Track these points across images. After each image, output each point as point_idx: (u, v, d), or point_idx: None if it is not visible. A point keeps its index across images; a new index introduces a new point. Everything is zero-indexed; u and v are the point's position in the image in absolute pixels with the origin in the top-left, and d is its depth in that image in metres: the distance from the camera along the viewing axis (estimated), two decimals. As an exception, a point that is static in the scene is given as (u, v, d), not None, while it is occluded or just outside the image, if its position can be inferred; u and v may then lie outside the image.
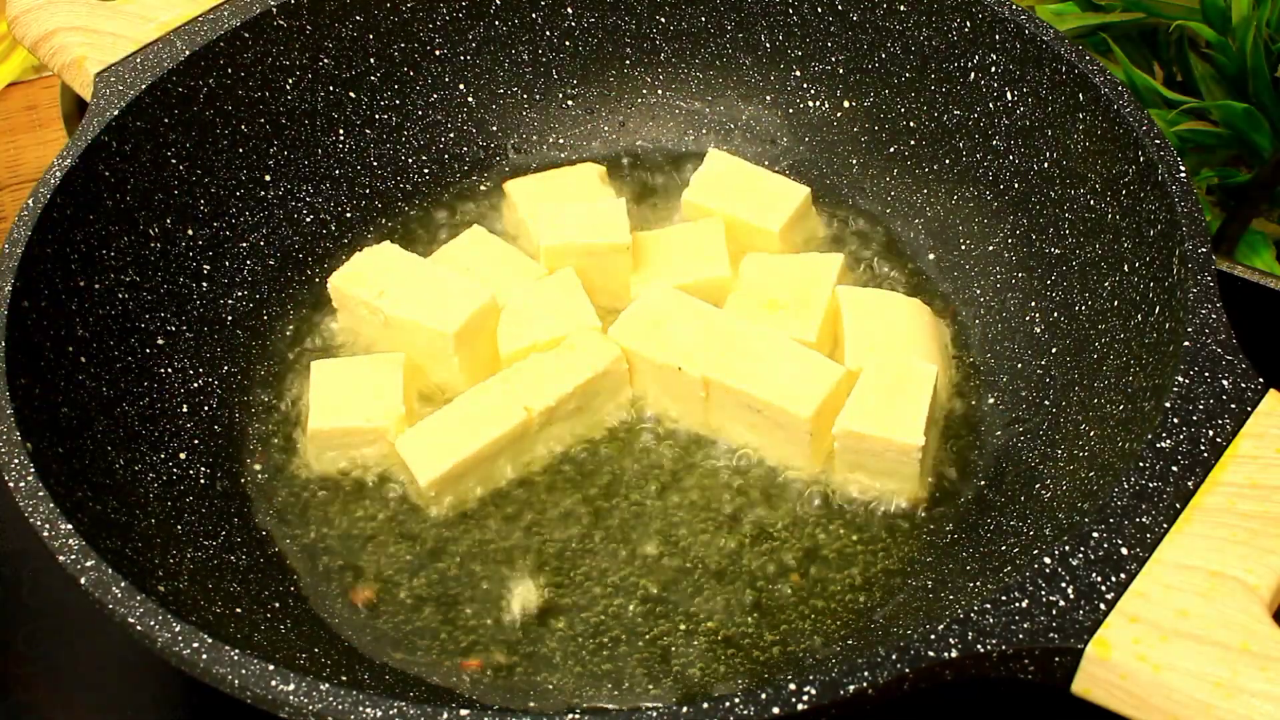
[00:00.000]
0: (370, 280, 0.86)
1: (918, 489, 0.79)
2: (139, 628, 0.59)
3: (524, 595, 0.76)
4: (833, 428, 0.77)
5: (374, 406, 0.81)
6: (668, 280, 0.87)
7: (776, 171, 0.95)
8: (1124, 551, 0.59)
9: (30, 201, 0.77)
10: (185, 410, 0.82)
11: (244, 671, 0.56)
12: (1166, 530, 0.59)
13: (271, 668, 0.56)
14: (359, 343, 0.89)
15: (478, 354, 0.85)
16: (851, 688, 0.54)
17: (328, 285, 0.88)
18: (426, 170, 0.99)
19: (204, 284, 0.87)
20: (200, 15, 0.89)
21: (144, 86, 0.84)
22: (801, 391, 0.78)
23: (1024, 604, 0.57)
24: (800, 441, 0.79)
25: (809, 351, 0.81)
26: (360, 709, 0.55)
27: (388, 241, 0.90)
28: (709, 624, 0.74)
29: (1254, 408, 0.63)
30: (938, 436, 0.82)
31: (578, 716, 0.56)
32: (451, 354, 0.83)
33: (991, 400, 0.83)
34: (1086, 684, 0.57)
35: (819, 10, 0.94)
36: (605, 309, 0.86)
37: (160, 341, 0.83)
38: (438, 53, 0.97)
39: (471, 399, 0.81)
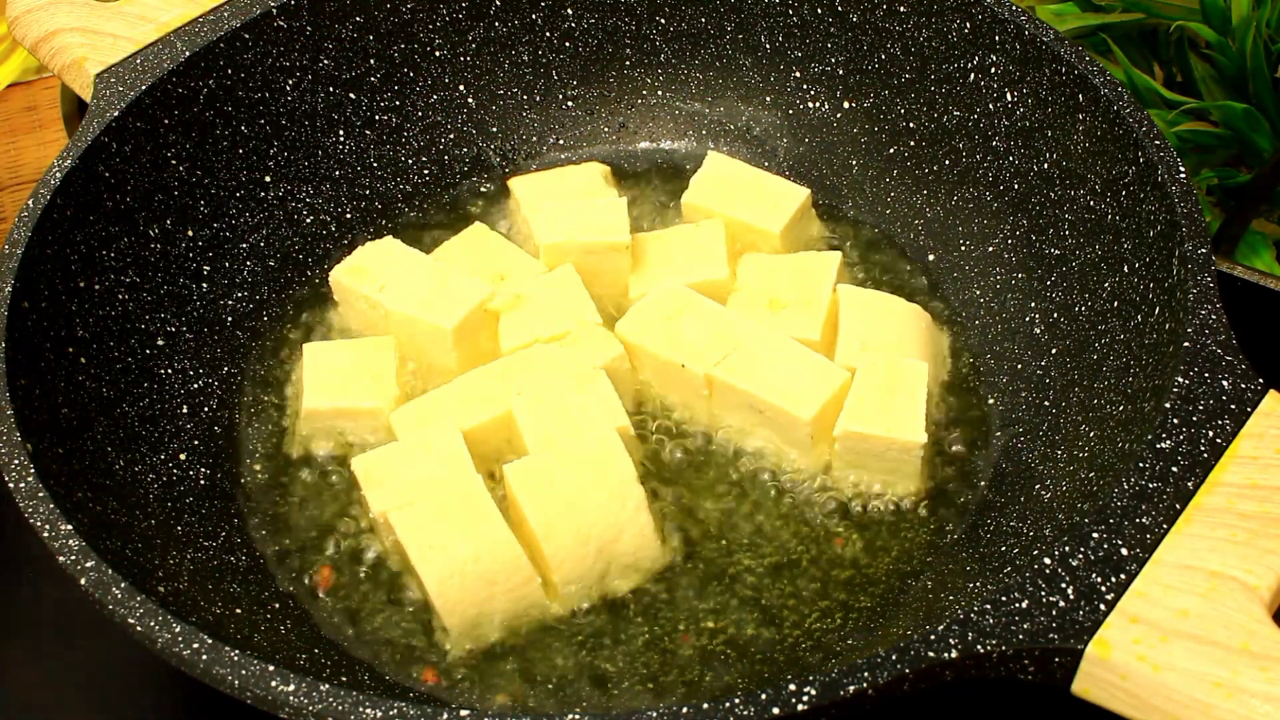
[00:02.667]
0: (371, 274, 0.86)
1: (918, 488, 0.79)
2: (139, 628, 0.59)
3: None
4: (834, 429, 0.77)
5: (368, 388, 0.81)
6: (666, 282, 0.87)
7: (776, 173, 0.95)
8: (1124, 552, 0.59)
9: (30, 202, 0.77)
10: (185, 411, 0.83)
11: (244, 671, 0.56)
12: (1166, 531, 0.59)
13: (271, 668, 0.56)
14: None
15: (477, 350, 0.85)
16: (851, 688, 0.55)
17: (329, 278, 0.88)
18: (426, 171, 0.99)
19: (204, 284, 0.87)
20: (200, 16, 0.89)
21: (144, 87, 0.84)
22: (804, 394, 0.78)
23: (1024, 604, 0.58)
24: (801, 442, 0.79)
25: (813, 354, 0.80)
26: (360, 709, 0.55)
27: (389, 236, 0.90)
28: (708, 624, 0.74)
29: (1254, 408, 0.63)
30: (936, 437, 0.81)
31: (578, 716, 0.56)
32: (450, 349, 0.83)
33: (991, 401, 0.83)
34: (1086, 684, 0.57)
35: (819, 11, 0.94)
36: (604, 309, 0.86)
37: (160, 342, 0.83)
38: (438, 53, 0.97)
39: (468, 381, 0.81)
